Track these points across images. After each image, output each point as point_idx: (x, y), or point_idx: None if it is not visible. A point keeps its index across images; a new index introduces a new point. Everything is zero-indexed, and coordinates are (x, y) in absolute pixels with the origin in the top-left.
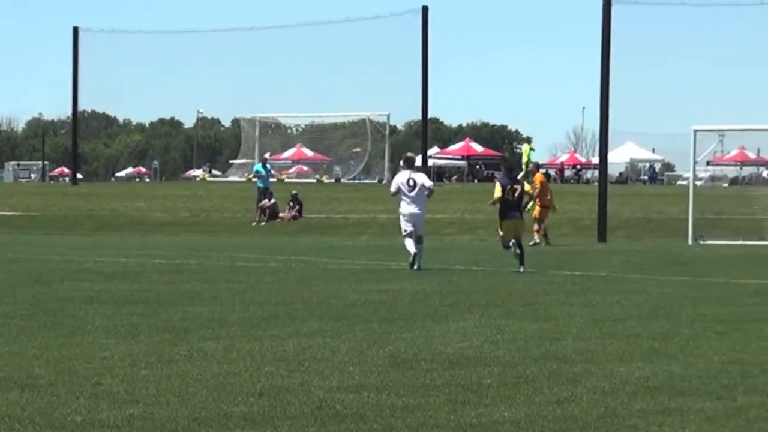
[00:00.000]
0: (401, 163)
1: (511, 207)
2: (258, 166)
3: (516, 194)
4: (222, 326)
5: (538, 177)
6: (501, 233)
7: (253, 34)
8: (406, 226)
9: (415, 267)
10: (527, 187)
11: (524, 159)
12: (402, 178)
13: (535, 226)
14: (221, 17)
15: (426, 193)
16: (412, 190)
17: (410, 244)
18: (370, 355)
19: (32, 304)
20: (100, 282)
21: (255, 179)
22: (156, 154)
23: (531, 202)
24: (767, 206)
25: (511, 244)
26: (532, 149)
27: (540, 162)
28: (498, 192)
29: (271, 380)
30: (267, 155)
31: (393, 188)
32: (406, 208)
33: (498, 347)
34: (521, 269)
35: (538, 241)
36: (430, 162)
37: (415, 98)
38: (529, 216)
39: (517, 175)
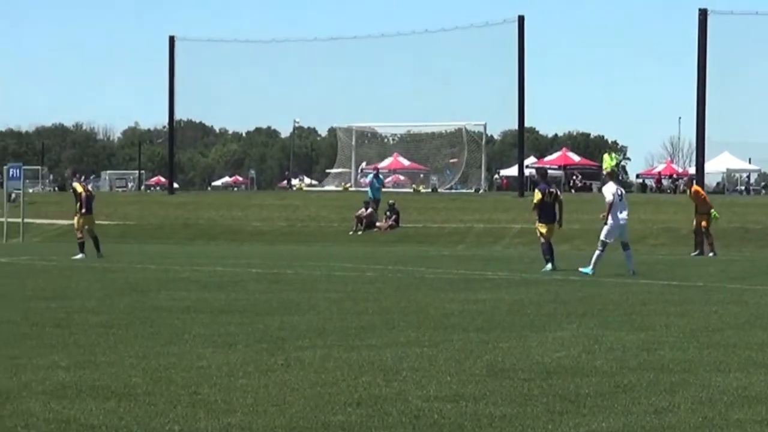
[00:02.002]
0: (536, 176)
1: (549, 211)
2: (370, 176)
3: (552, 198)
4: (319, 335)
5: (696, 188)
6: (543, 234)
7: (349, 43)
8: (612, 235)
9: (631, 272)
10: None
11: (605, 166)
12: (612, 188)
13: (708, 238)
14: (316, 26)
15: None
16: (621, 199)
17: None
18: (468, 364)
19: (129, 313)
20: (196, 291)
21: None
22: (252, 163)
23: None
24: None
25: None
26: (614, 157)
27: (638, 172)
28: (537, 196)
29: (369, 390)
30: (363, 165)
31: (609, 198)
32: (619, 216)
33: (595, 357)
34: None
35: (715, 252)
36: (527, 172)
37: (511, 108)
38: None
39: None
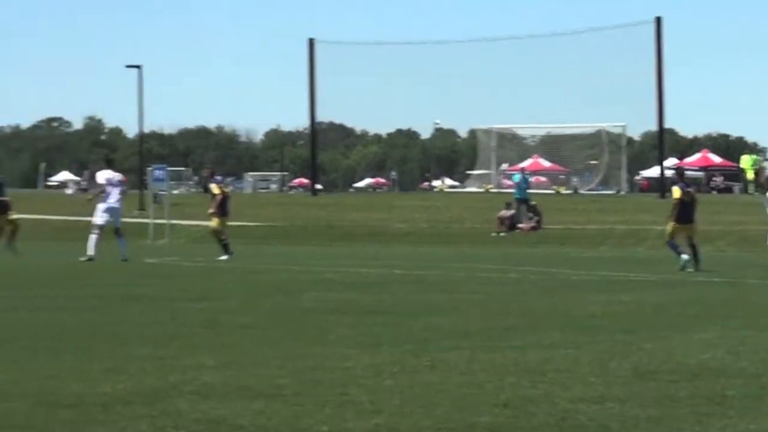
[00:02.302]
0: (674, 175)
1: (687, 211)
2: (516, 176)
3: (690, 198)
4: (464, 337)
5: None
6: (669, 232)
7: (489, 45)
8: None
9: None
10: None
11: (745, 167)
12: None
13: None
14: (455, 28)
15: None
16: None
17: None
18: (613, 366)
19: (274, 314)
20: (341, 292)
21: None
22: (393, 164)
23: None
24: None
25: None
26: (753, 159)
27: None
28: (677, 193)
29: (515, 391)
30: (505, 166)
31: None
32: None
33: (740, 359)
34: (696, 269)
35: None
36: (667, 173)
37: (650, 109)
38: None
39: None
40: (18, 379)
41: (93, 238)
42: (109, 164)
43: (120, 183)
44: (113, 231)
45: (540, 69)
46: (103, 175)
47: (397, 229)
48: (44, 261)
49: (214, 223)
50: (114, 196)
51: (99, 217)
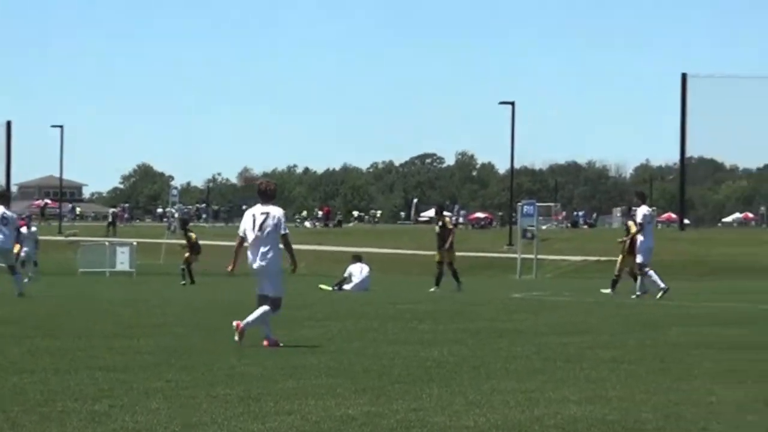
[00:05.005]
0: None
1: None
2: None
3: None
4: None
5: None
6: None
7: None
8: None
9: None
10: None
11: None
12: None
13: None
14: None
15: None
16: None
17: None
18: None
19: (639, 348)
20: (707, 327)
21: None
22: (762, 199)
23: None
24: None
25: None
26: None
27: None
28: None
29: None
30: None
31: None
32: None
33: None
34: None
35: None
36: None
37: None
38: None
39: None
40: (382, 412)
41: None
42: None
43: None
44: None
45: None
46: None
47: (765, 265)
48: (417, 295)
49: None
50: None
51: None
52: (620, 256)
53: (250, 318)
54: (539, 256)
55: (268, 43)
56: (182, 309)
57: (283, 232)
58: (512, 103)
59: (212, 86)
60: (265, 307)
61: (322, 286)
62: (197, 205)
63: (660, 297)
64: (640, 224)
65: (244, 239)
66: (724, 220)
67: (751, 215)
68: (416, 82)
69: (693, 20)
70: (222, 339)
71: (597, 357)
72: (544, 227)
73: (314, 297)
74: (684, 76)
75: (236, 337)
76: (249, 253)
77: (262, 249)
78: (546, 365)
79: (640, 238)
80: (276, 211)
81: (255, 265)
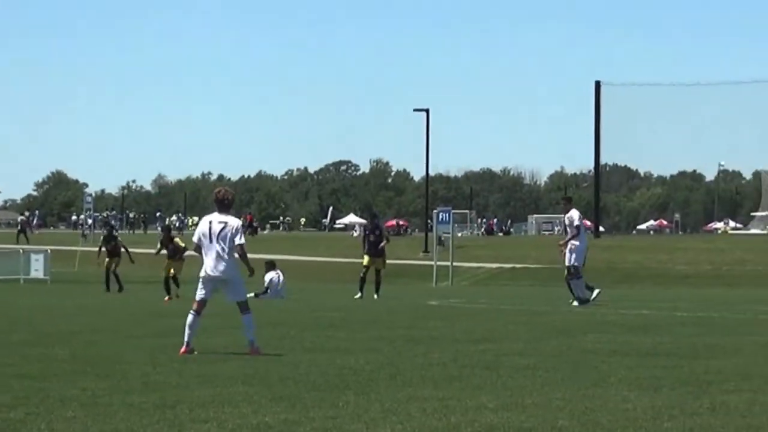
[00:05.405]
0: None
1: None
2: None
3: None
4: (744, 379)
5: None
6: None
7: None
8: None
9: None
10: None
11: None
12: None
13: None
14: (742, 69)
15: None
16: None
17: None
18: None
19: (555, 355)
20: (622, 334)
21: None
22: (676, 206)
23: None
24: None
25: None
26: None
27: None
28: None
29: None
30: None
31: None
32: None
33: None
34: None
35: None
36: None
37: None
38: None
39: None
40: (299, 420)
41: None
42: None
43: None
44: None
45: None
46: None
47: (678, 271)
48: (334, 303)
49: None
50: None
51: None
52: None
53: (250, 333)
54: (455, 264)
55: (182, 48)
56: (98, 316)
57: (239, 242)
58: (427, 111)
59: (126, 92)
60: (245, 318)
61: None
62: (107, 212)
63: (572, 303)
64: (577, 227)
65: (200, 245)
66: (638, 227)
67: (665, 222)
68: (330, 88)
69: (607, 28)
70: (138, 347)
71: (513, 364)
72: (459, 234)
73: (231, 304)
74: (598, 84)
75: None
76: (205, 260)
77: (221, 258)
78: (462, 372)
79: (575, 242)
80: (234, 222)
81: (212, 273)
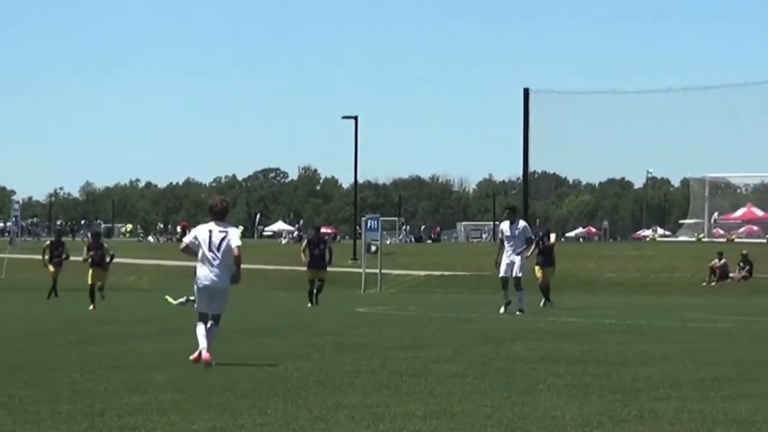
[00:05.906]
0: None
1: None
2: None
3: None
4: (673, 387)
5: None
6: None
7: (701, 93)
8: None
9: None
10: None
11: None
12: None
13: None
14: (668, 77)
15: None
16: None
17: None
18: None
19: (484, 363)
20: (551, 341)
21: None
22: (605, 214)
23: None
24: None
25: None
26: None
27: None
28: None
29: None
30: (715, 215)
31: None
32: None
33: None
34: None
35: None
36: None
37: None
38: None
39: None
40: (228, 427)
41: None
42: None
43: None
44: None
45: (752, 117)
46: None
47: (607, 279)
48: (263, 310)
49: None
50: None
51: None
52: (537, 269)
53: (205, 343)
54: (384, 271)
55: (109, 54)
56: (26, 323)
57: (237, 244)
58: (355, 118)
59: (52, 99)
60: (213, 328)
61: (168, 298)
62: (32, 219)
63: (503, 311)
64: (531, 238)
65: (190, 247)
66: (567, 234)
67: (594, 229)
68: (259, 95)
69: (535, 35)
70: (65, 354)
71: (442, 371)
72: (388, 242)
73: (162, 311)
74: (526, 91)
75: (209, 365)
76: (201, 269)
77: (218, 268)
78: (391, 380)
79: (527, 253)
80: (234, 232)
81: (209, 283)
